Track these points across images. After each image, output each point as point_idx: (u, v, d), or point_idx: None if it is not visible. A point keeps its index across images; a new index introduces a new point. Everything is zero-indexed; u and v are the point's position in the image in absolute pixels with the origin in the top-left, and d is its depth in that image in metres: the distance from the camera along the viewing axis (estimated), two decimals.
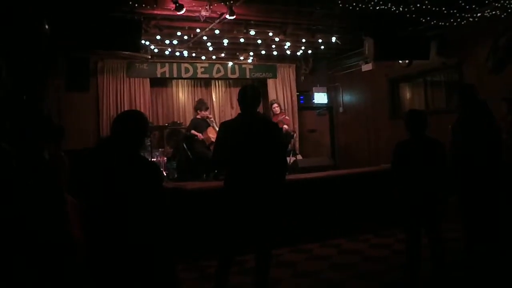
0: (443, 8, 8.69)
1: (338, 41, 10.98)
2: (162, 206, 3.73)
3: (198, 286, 5.76)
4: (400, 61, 11.39)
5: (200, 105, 11.47)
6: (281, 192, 5.11)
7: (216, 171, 10.54)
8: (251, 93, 5.13)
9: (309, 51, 12.73)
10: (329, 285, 5.75)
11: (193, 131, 11.02)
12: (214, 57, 12.60)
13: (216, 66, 13.14)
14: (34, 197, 4.50)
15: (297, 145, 13.58)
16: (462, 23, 9.05)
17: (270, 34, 10.34)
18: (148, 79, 12.45)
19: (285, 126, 11.41)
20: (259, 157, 4.87)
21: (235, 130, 5.00)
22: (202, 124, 11.13)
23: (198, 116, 11.29)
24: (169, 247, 3.76)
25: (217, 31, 9.73)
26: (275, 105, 11.98)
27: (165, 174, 10.78)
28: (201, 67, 12.99)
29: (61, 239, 4.60)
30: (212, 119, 11.62)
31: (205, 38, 10.35)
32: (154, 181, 3.68)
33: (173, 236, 3.90)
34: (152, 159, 10.35)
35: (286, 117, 12.11)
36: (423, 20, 9.11)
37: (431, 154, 5.27)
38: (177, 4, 7.88)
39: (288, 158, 11.43)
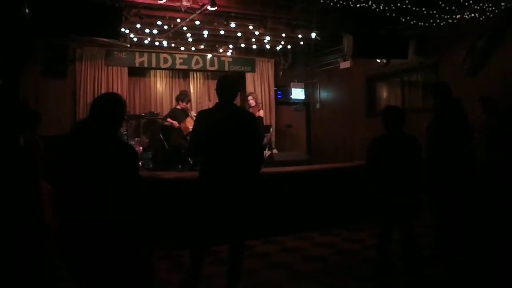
0: (423, 9, 8.76)
1: (317, 37, 11.02)
2: (139, 191, 3.72)
3: (171, 275, 5.75)
4: (378, 60, 11.48)
5: (183, 96, 11.50)
6: (256, 183, 5.12)
7: (191, 161, 10.57)
8: (230, 83, 5.14)
9: (289, 46, 12.79)
10: (302, 276, 5.81)
11: (169, 119, 11.03)
12: (193, 48, 12.58)
13: (195, 57, 13.11)
14: (7, 182, 4.48)
15: (273, 139, 13.60)
16: (441, 24, 9.14)
17: (250, 27, 10.34)
18: (126, 68, 12.39)
19: (258, 113, 11.39)
20: (235, 148, 4.87)
21: (211, 119, 4.99)
22: (181, 115, 11.15)
23: (178, 107, 11.31)
24: (145, 234, 3.75)
25: (197, 22, 9.70)
26: (250, 97, 11.93)
27: (140, 164, 10.74)
28: (180, 58, 12.95)
29: (34, 225, 4.59)
30: (192, 110, 11.62)
31: (185, 28, 10.32)
32: (132, 165, 3.66)
33: (149, 224, 3.90)
34: None
35: (260, 111, 12.04)
36: (403, 20, 9.18)
37: (407, 150, 5.35)
38: None
39: (264, 152, 11.46)
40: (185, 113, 11.22)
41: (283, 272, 5.96)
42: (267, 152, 11.71)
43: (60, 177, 3.60)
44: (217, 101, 5.15)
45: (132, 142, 10.86)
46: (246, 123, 5.09)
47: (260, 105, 12.68)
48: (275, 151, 12.76)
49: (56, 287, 4.90)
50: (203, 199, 4.92)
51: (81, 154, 3.48)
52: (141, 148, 11.26)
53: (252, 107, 11.72)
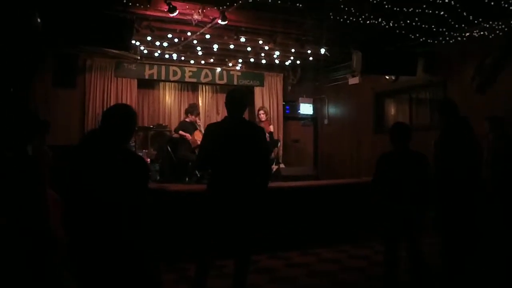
0: (432, 26, 8.79)
1: (327, 53, 11.03)
2: (148, 203, 3.72)
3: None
4: (387, 76, 11.49)
5: (192, 109, 11.49)
6: (263, 198, 5.12)
7: (199, 174, 10.57)
8: (239, 96, 5.14)
9: (298, 62, 12.82)
10: None
11: (181, 132, 11.03)
12: (203, 62, 12.67)
13: (204, 71, 13.18)
14: (14, 191, 4.48)
15: (280, 153, 13.61)
16: (450, 41, 9.16)
17: (260, 42, 10.38)
18: (135, 80, 12.47)
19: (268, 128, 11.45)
20: (243, 161, 4.87)
21: (220, 132, 4.99)
22: (190, 127, 11.15)
23: (187, 119, 11.31)
24: (153, 245, 3.75)
25: (207, 36, 9.75)
26: (262, 112, 11.95)
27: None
28: (189, 71, 13.02)
29: (40, 234, 4.59)
30: (200, 123, 11.64)
31: (195, 42, 10.37)
32: (141, 176, 3.66)
33: (156, 236, 3.89)
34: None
35: (270, 126, 12.09)
36: (412, 37, 9.21)
37: (413, 167, 5.34)
38: (170, 6, 7.91)
39: (271, 166, 11.46)
40: (193, 126, 11.23)
41: (288, 287, 5.94)
42: (274, 167, 11.71)
43: (67, 187, 3.60)
44: (226, 114, 5.16)
45: (140, 154, 10.86)
46: (254, 136, 5.08)
47: (270, 119, 12.72)
48: (282, 165, 12.75)
49: None
50: (209, 212, 4.91)
51: (90, 165, 3.48)
52: (148, 160, 11.27)
53: (263, 121, 11.72)
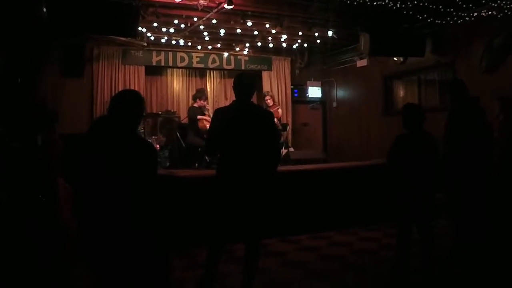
0: (440, 6, 8.72)
1: (334, 36, 10.98)
2: (157, 189, 3.72)
3: (188, 273, 5.75)
4: (395, 58, 11.43)
5: (200, 94, 11.48)
6: (273, 182, 5.11)
7: (208, 159, 10.59)
8: (247, 80, 5.11)
9: (305, 45, 12.77)
10: (317, 275, 5.79)
11: (199, 116, 11.03)
12: (210, 47, 12.66)
13: (212, 56, 13.18)
14: (25, 181, 4.52)
15: (289, 137, 13.61)
16: (458, 21, 9.09)
17: (267, 26, 10.35)
18: (143, 67, 12.50)
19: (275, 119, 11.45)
20: (252, 145, 4.84)
21: (228, 117, 4.96)
22: (198, 113, 11.16)
23: (195, 105, 11.31)
24: (163, 232, 3.76)
25: (214, 21, 9.73)
26: (268, 97, 12.00)
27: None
28: (197, 56, 13.03)
29: (50, 223, 4.62)
30: (209, 108, 11.63)
31: (202, 27, 10.36)
32: (151, 162, 3.66)
33: (166, 221, 3.91)
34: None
35: (278, 110, 12.12)
36: (420, 18, 9.15)
37: (427, 149, 5.32)
38: None
39: (281, 150, 11.47)
40: (201, 111, 11.24)
41: (299, 270, 5.95)
42: (283, 151, 11.71)
43: (77, 174, 3.61)
44: (234, 99, 5.14)
45: (149, 140, 10.90)
46: (263, 120, 5.05)
47: (278, 104, 12.71)
48: (291, 149, 12.76)
49: (70, 284, 4.93)
50: (219, 197, 4.91)
51: (99, 151, 3.49)
52: (158, 146, 11.29)
53: (270, 106, 11.72)
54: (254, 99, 12.22)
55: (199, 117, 10.97)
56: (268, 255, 6.48)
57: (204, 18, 9.56)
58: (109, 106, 3.71)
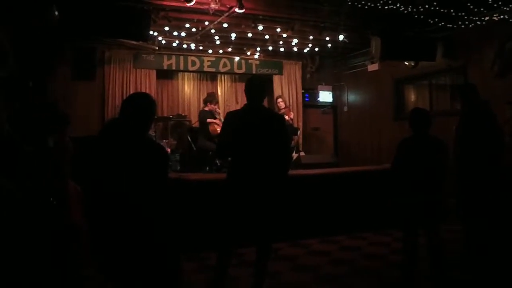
0: (451, 10, 8.68)
1: (345, 40, 10.97)
2: (168, 192, 3.72)
3: (198, 276, 5.78)
4: (407, 62, 11.40)
5: (211, 98, 11.49)
6: (283, 186, 5.10)
7: (219, 163, 10.59)
8: (258, 84, 5.11)
9: (316, 49, 12.76)
10: (328, 279, 5.78)
11: (208, 120, 11.02)
12: (221, 51, 12.67)
13: (223, 60, 13.17)
14: (35, 183, 4.52)
15: (300, 141, 13.60)
16: (470, 25, 9.05)
17: (278, 29, 10.35)
18: (154, 71, 12.52)
19: (287, 118, 11.46)
20: (262, 149, 4.84)
21: (239, 120, 4.96)
22: (209, 116, 11.17)
23: (206, 108, 11.32)
24: (174, 235, 3.76)
25: (225, 25, 9.74)
26: (280, 99, 12.03)
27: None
28: (208, 60, 13.03)
29: (60, 225, 4.63)
30: (220, 112, 11.64)
31: (213, 31, 10.37)
32: (161, 165, 3.66)
33: (177, 224, 3.90)
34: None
35: (290, 112, 12.14)
36: (431, 22, 9.10)
37: (433, 152, 5.30)
38: None
39: (292, 154, 11.47)
40: (212, 114, 11.25)
41: (309, 275, 5.94)
42: (294, 155, 11.70)
43: (87, 177, 3.62)
44: (245, 102, 5.15)
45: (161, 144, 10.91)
46: (274, 124, 5.05)
47: (289, 108, 12.71)
48: (302, 153, 12.74)
49: (81, 286, 4.94)
50: (229, 200, 4.91)
51: (110, 154, 3.50)
52: (169, 150, 11.30)
53: (282, 109, 11.73)
54: (265, 104, 12.29)
55: (208, 120, 10.94)
56: (278, 259, 6.49)
57: (215, 22, 9.57)
58: (120, 109, 3.72)
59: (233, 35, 10.72)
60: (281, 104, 11.91)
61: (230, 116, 5.13)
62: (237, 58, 13.25)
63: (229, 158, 5.19)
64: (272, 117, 5.24)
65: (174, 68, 12.79)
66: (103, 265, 3.54)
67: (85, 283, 4.97)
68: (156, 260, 3.54)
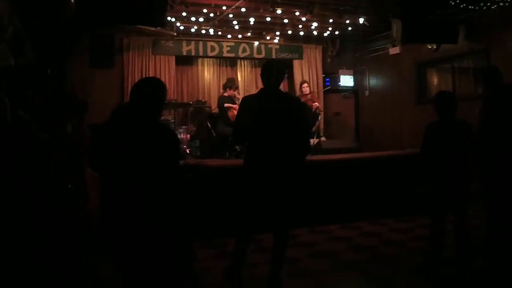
0: None
1: (365, 23, 10.84)
2: (179, 177, 3.68)
3: (216, 263, 5.74)
4: (429, 46, 11.23)
5: (230, 83, 11.44)
6: (302, 171, 5.02)
7: (238, 149, 10.55)
8: (274, 67, 5.03)
9: (336, 32, 12.65)
10: (347, 265, 5.72)
11: (226, 104, 10.96)
12: (240, 36, 12.61)
13: (242, 45, 13.11)
14: (53, 170, 4.52)
15: (321, 126, 13.48)
16: (492, 7, 8.86)
17: (297, 13, 10.25)
18: (173, 57, 12.52)
19: (316, 104, 11.40)
20: (280, 134, 4.75)
21: (255, 105, 4.88)
22: (228, 102, 11.12)
23: (226, 94, 11.27)
24: (186, 220, 3.71)
25: (243, 9, 9.67)
26: (305, 85, 11.90)
27: (187, 152, 10.79)
28: (227, 46, 12.98)
29: (78, 213, 4.63)
30: (239, 97, 11.57)
31: (231, 16, 10.31)
32: (172, 150, 3.59)
33: (190, 210, 3.86)
34: None
35: (317, 100, 12.02)
36: (452, 3, 8.93)
37: (460, 136, 5.21)
38: None
39: (312, 140, 11.39)
40: (231, 100, 11.19)
41: (328, 261, 5.87)
42: (315, 140, 11.62)
43: (100, 163, 3.59)
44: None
45: (180, 130, 10.91)
46: (290, 108, 4.96)
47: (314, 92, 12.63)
48: (323, 138, 12.64)
49: (93, 272, 4.93)
50: (247, 186, 4.86)
51: (119, 139, 3.45)
52: (188, 136, 11.29)
53: (306, 94, 11.62)
54: (285, 88, 12.20)
55: (226, 105, 10.86)
56: (297, 245, 6.43)
57: (233, 7, 9.51)
58: (130, 93, 3.68)
59: (252, 20, 10.65)
60: (306, 89, 11.79)
61: (246, 100, 5.08)
62: (256, 43, 13.16)
63: (246, 143, 5.13)
64: (290, 100, 5.15)
65: (193, 54, 12.77)
66: (116, 251, 3.50)
67: (97, 269, 4.95)
68: (168, 246, 3.50)
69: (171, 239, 3.52)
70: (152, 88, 3.67)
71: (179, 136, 10.49)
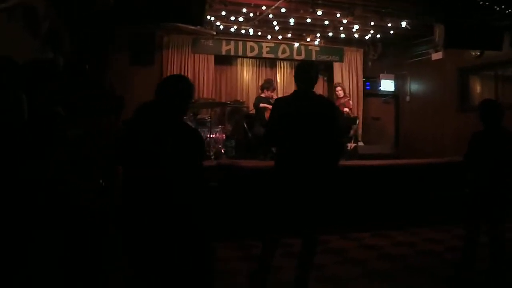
0: None
1: (407, 26, 10.66)
2: (202, 176, 3.63)
3: (242, 265, 5.72)
4: (472, 52, 10.98)
5: (268, 84, 11.39)
6: (333, 176, 4.92)
7: (274, 151, 10.48)
8: (308, 69, 4.98)
9: (378, 36, 12.50)
10: (376, 274, 5.61)
11: (261, 104, 10.91)
12: (280, 37, 12.55)
13: (282, 46, 13.02)
14: (85, 166, 4.53)
15: (359, 131, 13.31)
16: None
17: (338, 15, 10.14)
18: (212, 56, 12.53)
19: (346, 109, 11.28)
20: (311, 137, 4.69)
21: (287, 107, 4.84)
22: (265, 103, 11.07)
23: (263, 95, 11.22)
24: (207, 219, 3.66)
25: (283, 10, 9.61)
26: (339, 88, 11.81)
27: (223, 152, 10.77)
28: (267, 46, 12.91)
29: (108, 208, 4.63)
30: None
31: (271, 16, 10.26)
32: (194, 149, 3.55)
33: (213, 209, 3.81)
34: (211, 135, 10.38)
35: (349, 101, 11.89)
36: (497, 8, 8.70)
37: (505, 146, 5.07)
38: None
39: (349, 144, 11.26)
40: (269, 101, 11.13)
41: (356, 269, 5.78)
42: (351, 145, 11.48)
43: (124, 159, 3.58)
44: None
45: (216, 129, 10.89)
46: (323, 111, 4.88)
47: (348, 95, 12.47)
48: (360, 143, 12.48)
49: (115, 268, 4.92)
50: (276, 189, 4.79)
51: (145, 137, 3.42)
52: (224, 135, 11.27)
53: (340, 97, 11.52)
54: (325, 91, 12.12)
55: (262, 105, 10.79)
56: (327, 251, 6.37)
57: (273, 7, 9.46)
58: (156, 90, 3.64)
59: (292, 21, 10.59)
60: (340, 93, 11.69)
61: (279, 102, 5.08)
62: (296, 44, 13.07)
63: (277, 145, 5.06)
64: (322, 104, 5.07)
65: (232, 53, 12.74)
66: (135, 247, 3.46)
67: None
68: (187, 245, 3.45)
69: (191, 236, 3.47)
70: (181, 86, 3.64)
71: (213, 135, 10.49)
